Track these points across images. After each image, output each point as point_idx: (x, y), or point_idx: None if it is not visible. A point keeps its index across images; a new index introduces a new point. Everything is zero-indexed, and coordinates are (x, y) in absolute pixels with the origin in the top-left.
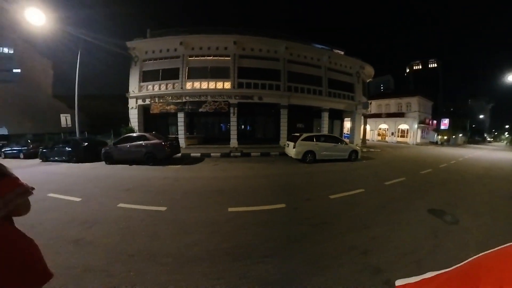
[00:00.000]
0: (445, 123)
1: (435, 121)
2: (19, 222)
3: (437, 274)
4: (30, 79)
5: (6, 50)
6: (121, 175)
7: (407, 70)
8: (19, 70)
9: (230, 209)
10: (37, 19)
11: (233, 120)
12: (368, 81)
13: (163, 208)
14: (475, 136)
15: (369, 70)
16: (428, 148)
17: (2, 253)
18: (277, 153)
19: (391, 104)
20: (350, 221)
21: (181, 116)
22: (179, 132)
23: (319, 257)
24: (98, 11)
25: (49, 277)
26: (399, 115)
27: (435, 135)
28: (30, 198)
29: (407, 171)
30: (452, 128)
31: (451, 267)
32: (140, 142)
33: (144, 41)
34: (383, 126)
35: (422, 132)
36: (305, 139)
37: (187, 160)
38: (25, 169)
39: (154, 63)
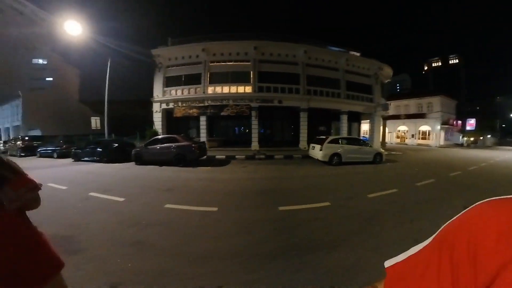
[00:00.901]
0: (471, 124)
1: (459, 122)
2: (66, 222)
3: (421, 248)
4: (60, 86)
5: (41, 61)
6: (156, 176)
7: (425, 68)
8: (51, 79)
9: (280, 208)
10: (73, 31)
11: (254, 123)
12: (386, 81)
13: (214, 209)
14: (507, 137)
15: (388, 71)
16: (453, 151)
17: (15, 243)
18: (300, 155)
19: (411, 104)
20: (395, 216)
21: (203, 120)
22: (201, 135)
23: (380, 246)
24: (122, 22)
25: (61, 266)
26: (420, 116)
27: (460, 137)
28: (75, 196)
29: (435, 173)
30: (480, 129)
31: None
32: (170, 144)
33: (168, 49)
34: (402, 128)
35: (445, 134)
36: (331, 141)
37: (214, 162)
38: (60, 168)
39: (176, 69)
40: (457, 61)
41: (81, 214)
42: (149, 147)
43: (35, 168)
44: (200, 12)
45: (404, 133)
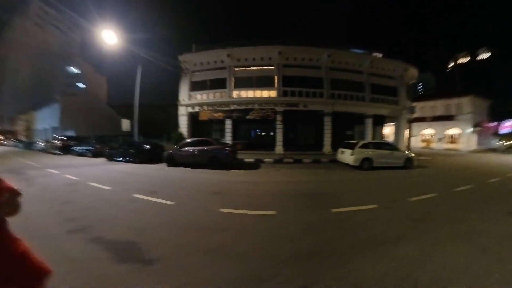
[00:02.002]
0: (507, 126)
1: (494, 124)
2: (125, 225)
3: None
4: (91, 92)
5: (74, 70)
6: (194, 178)
7: (451, 64)
8: (83, 85)
9: (333, 210)
10: (109, 40)
11: (279, 127)
12: (410, 83)
13: (272, 212)
14: None
15: (413, 72)
16: (488, 156)
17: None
18: (327, 160)
19: (437, 106)
20: (441, 217)
21: (228, 123)
22: (226, 138)
23: (437, 241)
24: (149, 31)
25: (47, 273)
26: (448, 118)
27: (495, 141)
28: (121, 198)
29: (472, 179)
30: None
31: None
32: (204, 147)
33: (194, 55)
34: (428, 131)
35: (477, 137)
36: (362, 146)
37: (244, 165)
38: (97, 167)
39: (202, 74)
40: (489, 54)
41: (135, 217)
42: (182, 149)
43: (74, 166)
44: (223, 19)
45: (430, 136)
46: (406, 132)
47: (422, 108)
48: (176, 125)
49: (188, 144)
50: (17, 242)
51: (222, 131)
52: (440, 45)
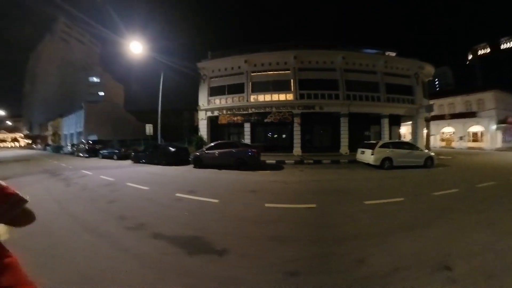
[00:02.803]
0: None
1: None
2: (181, 222)
3: None
4: (110, 99)
5: (95, 79)
6: (226, 178)
7: (470, 57)
8: (103, 93)
9: (366, 202)
10: (134, 49)
11: (297, 129)
12: (426, 80)
13: (313, 205)
14: None
15: (429, 69)
16: None
17: None
18: (346, 160)
19: (456, 102)
20: (465, 208)
21: (247, 126)
22: (245, 140)
23: (461, 227)
24: (168, 40)
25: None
26: (469, 115)
27: None
28: (163, 197)
29: (495, 177)
30: None
31: None
32: (231, 149)
33: (212, 61)
34: (448, 129)
35: (503, 135)
36: (382, 146)
37: (268, 166)
38: (126, 169)
39: (220, 80)
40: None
41: (188, 214)
42: (209, 151)
43: (104, 167)
44: (238, 25)
45: (450, 135)
46: (424, 131)
47: (440, 105)
48: (189, 129)
49: (214, 147)
50: (7, 259)
51: (239, 134)
52: (457, 37)
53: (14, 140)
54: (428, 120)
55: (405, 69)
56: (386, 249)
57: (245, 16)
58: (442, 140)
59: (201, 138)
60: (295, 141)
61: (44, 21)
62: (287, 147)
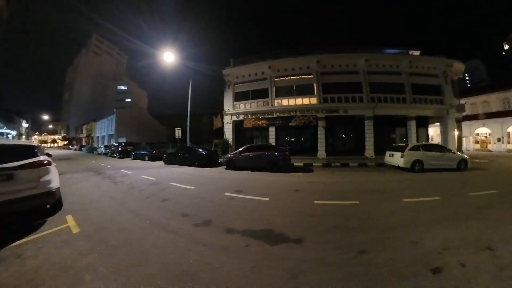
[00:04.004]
0: None
1: None
2: (247, 218)
3: None
4: (136, 105)
5: (123, 87)
6: (264, 179)
7: (506, 47)
8: (129, 100)
9: (404, 200)
10: (167, 58)
11: (321, 132)
12: (456, 78)
13: (356, 202)
14: None
15: (458, 66)
16: None
17: None
18: (373, 163)
19: (492, 100)
20: (501, 207)
21: (272, 130)
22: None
23: (500, 221)
24: (193, 49)
25: None
26: (508, 114)
27: None
28: (214, 196)
29: None
30: None
31: None
32: (264, 151)
33: (237, 68)
34: (483, 130)
35: None
36: (412, 148)
37: (298, 168)
38: (161, 169)
39: (244, 85)
40: None
41: (246, 211)
42: (242, 153)
43: (140, 168)
44: (260, 33)
45: (486, 136)
46: (455, 133)
47: (472, 104)
48: (208, 133)
49: (247, 150)
50: None
51: (263, 138)
52: (489, 25)
53: (53, 141)
54: (459, 121)
55: (431, 68)
56: (433, 235)
57: (266, 22)
58: (476, 142)
59: (226, 142)
60: (319, 144)
61: (80, 38)
62: (311, 150)
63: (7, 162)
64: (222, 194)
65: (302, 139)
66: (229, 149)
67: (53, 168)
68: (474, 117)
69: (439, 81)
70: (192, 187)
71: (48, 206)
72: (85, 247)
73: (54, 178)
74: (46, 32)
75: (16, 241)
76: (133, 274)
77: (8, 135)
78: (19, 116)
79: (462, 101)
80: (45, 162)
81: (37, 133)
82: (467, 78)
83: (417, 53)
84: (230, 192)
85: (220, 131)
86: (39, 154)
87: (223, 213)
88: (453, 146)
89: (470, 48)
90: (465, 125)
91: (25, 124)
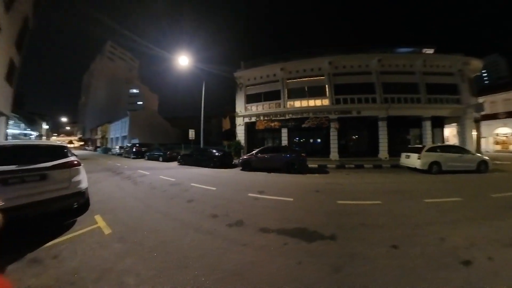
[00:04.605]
0: None
1: None
2: (279, 218)
3: None
4: (147, 107)
5: (135, 90)
6: (283, 180)
7: None
8: (141, 102)
9: (425, 200)
10: (182, 62)
11: (334, 134)
12: (473, 76)
13: (379, 202)
14: None
15: (475, 64)
16: None
17: None
18: (388, 165)
19: None
20: None
21: (284, 131)
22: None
23: None
24: (205, 52)
25: None
26: None
27: None
28: (238, 196)
29: None
30: None
31: None
32: (281, 153)
33: (248, 71)
34: (503, 130)
35: None
36: (429, 150)
37: (313, 170)
38: (177, 170)
39: (255, 88)
40: None
41: (274, 211)
42: (259, 155)
43: (157, 168)
44: (271, 35)
45: (507, 137)
46: (474, 133)
47: (492, 102)
48: (217, 134)
49: (264, 151)
50: None
51: (274, 139)
52: (508, 16)
53: (70, 142)
54: (477, 121)
55: (447, 67)
56: (459, 233)
57: (277, 24)
58: (497, 143)
59: (239, 143)
60: (332, 146)
61: (96, 45)
62: (323, 152)
63: (40, 163)
64: (246, 194)
65: (314, 140)
66: (242, 150)
67: (82, 169)
68: (494, 117)
69: (455, 79)
70: (214, 188)
71: (75, 205)
72: (121, 249)
73: (83, 179)
74: (64, 40)
75: (49, 241)
76: (179, 276)
77: (31, 136)
78: (40, 118)
79: (481, 99)
80: (75, 162)
81: (55, 134)
82: (485, 75)
83: (431, 51)
84: (253, 193)
85: (229, 132)
86: (69, 155)
87: (252, 214)
88: (471, 147)
89: (488, 42)
90: (484, 125)
91: (45, 126)
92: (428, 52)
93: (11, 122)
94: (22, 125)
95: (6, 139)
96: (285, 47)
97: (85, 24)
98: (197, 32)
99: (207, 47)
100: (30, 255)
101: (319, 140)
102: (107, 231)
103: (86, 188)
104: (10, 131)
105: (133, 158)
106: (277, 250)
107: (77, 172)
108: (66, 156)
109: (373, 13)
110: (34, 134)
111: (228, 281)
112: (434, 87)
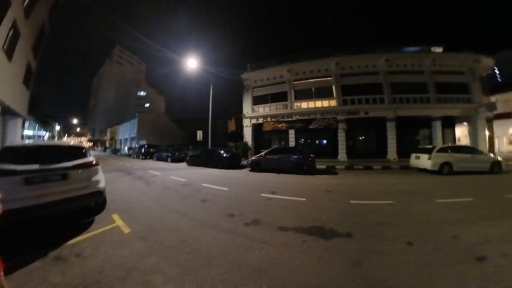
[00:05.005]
0: None
1: None
2: (296, 216)
3: None
4: (154, 109)
5: (142, 93)
6: (293, 181)
7: None
8: (148, 105)
9: (437, 200)
10: (191, 64)
11: (341, 135)
12: (485, 74)
13: (390, 202)
14: None
15: (487, 61)
16: None
17: None
18: (398, 166)
19: None
20: None
21: (291, 133)
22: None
23: None
24: (212, 55)
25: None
26: None
27: None
28: (252, 197)
29: None
30: None
31: None
32: (290, 154)
33: (255, 72)
34: None
35: None
36: (440, 150)
37: (322, 171)
38: (186, 171)
39: (262, 89)
40: None
41: (288, 211)
42: (268, 156)
43: (167, 169)
44: (276, 35)
45: None
46: (486, 133)
47: (505, 101)
48: (223, 136)
49: (273, 152)
50: None
51: (281, 140)
52: None
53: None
54: (490, 120)
55: (456, 65)
56: (473, 231)
57: (282, 25)
58: (511, 143)
59: (246, 144)
60: (339, 147)
61: (105, 50)
62: (331, 153)
63: (61, 162)
64: (258, 195)
65: (321, 141)
66: (249, 151)
67: (100, 169)
68: (507, 116)
69: (466, 78)
70: (226, 188)
71: (93, 204)
72: (143, 247)
73: (102, 178)
74: (76, 45)
75: (71, 239)
76: (204, 274)
77: (44, 137)
78: (53, 120)
79: (493, 98)
80: (94, 162)
81: (66, 135)
82: (497, 72)
83: (439, 49)
84: (265, 193)
85: (234, 134)
86: (88, 155)
87: (267, 213)
88: (484, 147)
89: (500, 37)
90: (497, 124)
91: (57, 127)
92: (436, 50)
93: (27, 123)
94: (37, 126)
95: (22, 139)
96: (290, 47)
97: (95, 29)
98: (202, 35)
99: (212, 49)
100: (53, 253)
101: (326, 141)
102: (126, 230)
103: (104, 188)
104: (25, 132)
105: (142, 158)
106: (297, 247)
107: (96, 172)
108: (85, 157)
109: (379, 12)
110: (47, 135)
111: (254, 277)
112: (443, 87)
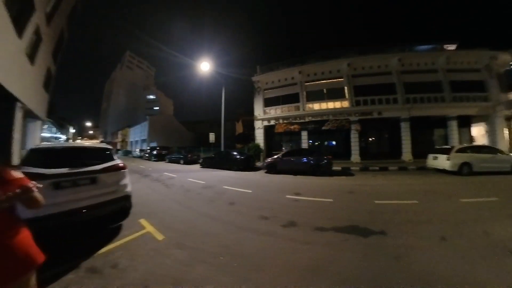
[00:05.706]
0: None
1: None
2: (324, 217)
3: None
4: (164, 112)
5: (152, 96)
6: (312, 183)
7: None
8: (158, 108)
9: (461, 200)
10: (203, 68)
11: (355, 136)
12: (503, 71)
13: (415, 201)
14: None
15: (504, 57)
16: None
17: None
18: (414, 167)
19: None
20: None
21: (304, 134)
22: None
23: None
24: (222, 57)
25: (41, 259)
26: None
27: None
28: (275, 198)
29: None
30: None
31: None
32: (307, 156)
33: (266, 74)
34: None
35: None
36: (459, 150)
37: (338, 172)
38: (201, 173)
39: (273, 91)
40: None
41: (318, 212)
42: (284, 158)
43: (181, 171)
44: (287, 36)
45: None
46: (505, 132)
47: None
48: (231, 138)
49: (289, 154)
50: (17, 232)
51: (292, 142)
52: None
53: None
54: (509, 119)
55: (472, 63)
56: (502, 228)
57: (292, 26)
58: None
59: (258, 146)
60: (353, 148)
61: (116, 55)
62: (344, 154)
63: (89, 165)
64: (284, 196)
65: (334, 143)
66: (261, 153)
67: (127, 172)
68: None
69: (482, 76)
70: (250, 191)
71: (120, 209)
72: (183, 255)
73: (129, 182)
74: (89, 50)
75: (102, 247)
76: (258, 279)
77: (60, 139)
78: (68, 123)
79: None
80: (121, 165)
81: (79, 137)
82: None
83: (453, 47)
84: (290, 195)
85: (243, 136)
86: (115, 157)
87: (299, 214)
88: (504, 147)
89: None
90: None
91: (72, 130)
92: (450, 48)
93: (45, 126)
94: (54, 129)
95: (41, 141)
96: (301, 48)
97: (108, 36)
98: (212, 37)
99: (221, 52)
100: (86, 263)
101: (339, 143)
102: (159, 236)
103: (131, 192)
104: (43, 134)
105: (154, 160)
106: (340, 246)
107: (124, 175)
108: (112, 159)
109: (388, 11)
110: (63, 137)
111: (308, 278)
112: (459, 85)
